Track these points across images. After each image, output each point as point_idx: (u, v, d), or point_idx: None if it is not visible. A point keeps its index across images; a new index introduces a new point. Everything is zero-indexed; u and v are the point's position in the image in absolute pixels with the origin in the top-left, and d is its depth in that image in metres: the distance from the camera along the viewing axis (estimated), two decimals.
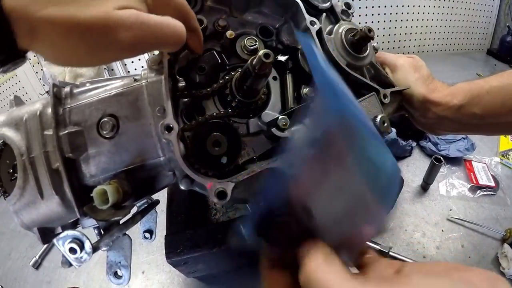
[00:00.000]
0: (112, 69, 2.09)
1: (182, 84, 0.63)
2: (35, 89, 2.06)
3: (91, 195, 0.49)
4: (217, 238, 0.85)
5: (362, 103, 0.70)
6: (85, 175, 0.55)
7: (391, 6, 2.27)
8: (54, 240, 0.53)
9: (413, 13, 2.36)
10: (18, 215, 0.56)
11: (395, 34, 2.35)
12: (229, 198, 0.52)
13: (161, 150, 0.55)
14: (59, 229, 0.64)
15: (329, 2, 0.73)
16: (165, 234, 0.88)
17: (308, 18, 0.66)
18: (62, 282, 1.14)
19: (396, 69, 0.79)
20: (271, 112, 0.66)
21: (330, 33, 0.72)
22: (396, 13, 2.31)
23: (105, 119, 0.54)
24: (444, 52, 2.55)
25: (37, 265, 1.19)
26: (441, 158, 1.23)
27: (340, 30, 0.73)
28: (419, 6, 2.36)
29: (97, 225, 0.61)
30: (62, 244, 0.52)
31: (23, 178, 0.54)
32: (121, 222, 0.61)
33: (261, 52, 0.46)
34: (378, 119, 0.47)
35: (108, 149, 0.54)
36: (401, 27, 2.35)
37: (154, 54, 0.56)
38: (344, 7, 0.80)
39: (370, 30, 0.70)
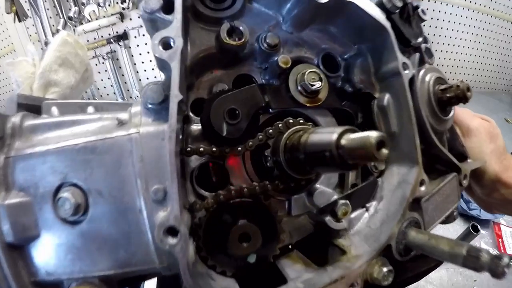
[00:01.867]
0: (128, 90, 1.86)
1: (196, 127, 0.38)
2: None
3: None
4: None
5: (442, 189, 0.48)
6: (39, 270, 0.32)
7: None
8: None
9: (448, 44, 2.12)
10: None
11: None
12: None
13: (157, 256, 0.30)
14: None
15: (422, 37, 0.49)
16: None
17: (401, 58, 0.42)
18: None
19: (470, 134, 0.62)
20: (326, 189, 0.42)
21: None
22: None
23: (65, 193, 0.29)
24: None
25: None
26: (478, 226, 1.02)
27: (427, 79, 0.49)
28: (455, 38, 2.12)
29: None
30: None
31: None
32: None
33: (372, 136, 0.23)
34: (484, 257, 0.26)
35: (72, 241, 0.31)
36: None
37: (155, 82, 0.31)
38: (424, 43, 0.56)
39: (469, 88, 0.47)
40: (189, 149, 0.35)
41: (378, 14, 0.42)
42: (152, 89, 0.30)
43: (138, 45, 1.79)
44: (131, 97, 1.91)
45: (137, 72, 1.87)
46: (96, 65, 1.91)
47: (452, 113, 0.53)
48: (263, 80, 0.43)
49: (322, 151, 0.27)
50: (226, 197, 0.35)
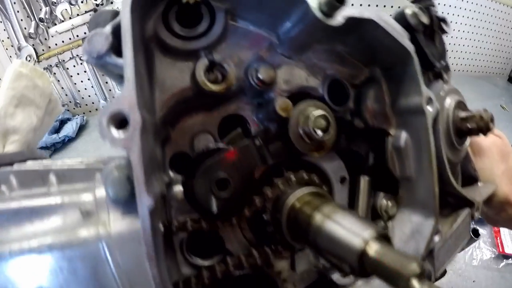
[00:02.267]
0: (110, 90, 1.83)
1: (179, 189, 0.30)
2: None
3: None
4: None
5: (456, 230, 0.43)
6: None
7: None
8: None
9: None
10: None
11: None
12: None
13: None
14: None
15: (445, 57, 0.41)
16: None
17: (426, 92, 0.33)
18: None
19: (482, 154, 0.57)
20: None
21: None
22: None
23: None
24: (466, 73, 2.27)
25: None
26: (478, 230, 1.00)
27: (447, 104, 0.42)
28: (450, 21, 2.02)
29: None
30: None
31: None
32: None
33: (411, 269, 0.16)
34: None
35: None
36: None
37: (115, 166, 0.22)
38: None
39: (492, 119, 0.41)
40: (174, 226, 0.27)
41: (400, 34, 0.33)
42: (113, 181, 0.22)
43: None
44: (113, 97, 1.80)
45: None
46: (74, 66, 1.77)
47: (468, 142, 0.47)
48: (255, 119, 0.35)
49: (339, 257, 0.19)
50: (224, 271, 0.28)
